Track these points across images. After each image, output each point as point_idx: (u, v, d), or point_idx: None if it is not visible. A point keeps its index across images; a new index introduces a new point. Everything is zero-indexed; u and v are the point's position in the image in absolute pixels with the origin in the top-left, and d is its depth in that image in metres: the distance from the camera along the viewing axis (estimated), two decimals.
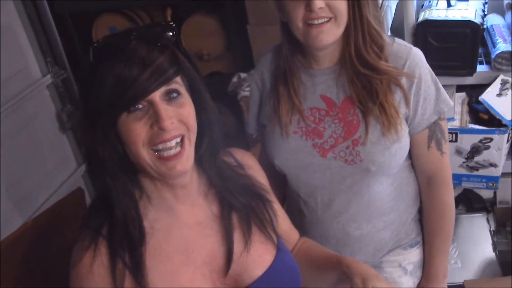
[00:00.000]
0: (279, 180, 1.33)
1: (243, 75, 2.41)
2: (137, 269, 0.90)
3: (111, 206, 0.91)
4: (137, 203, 0.93)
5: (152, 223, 0.95)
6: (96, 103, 0.86)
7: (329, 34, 1.08)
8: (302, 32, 1.09)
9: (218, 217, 1.01)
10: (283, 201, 1.43)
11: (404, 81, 1.13)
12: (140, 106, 0.86)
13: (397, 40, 1.18)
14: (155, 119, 0.85)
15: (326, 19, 1.07)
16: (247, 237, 1.00)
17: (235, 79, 2.41)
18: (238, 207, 1.01)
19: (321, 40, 1.08)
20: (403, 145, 1.16)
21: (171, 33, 0.90)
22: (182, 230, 0.97)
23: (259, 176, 1.11)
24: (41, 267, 1.14)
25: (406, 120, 1.16)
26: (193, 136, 0.91)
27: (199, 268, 0.96)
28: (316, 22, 1.06)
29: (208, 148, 0.97)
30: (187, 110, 0.89)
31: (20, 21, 2.53)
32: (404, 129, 1.15)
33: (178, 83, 0.88)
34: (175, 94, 0.88)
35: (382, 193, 1.21)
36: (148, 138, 0.86)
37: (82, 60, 2.75)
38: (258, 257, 1.01)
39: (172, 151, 0.88)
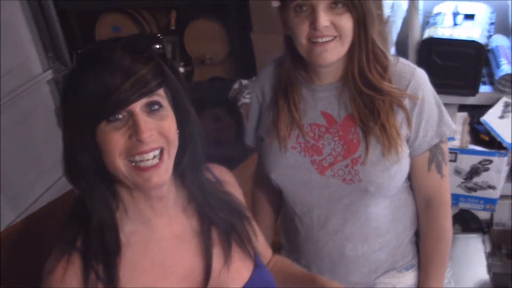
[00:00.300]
0: (275, 193, 1.32)
1: (244, 81, 2.39)
2: (110, 280, 0.88)
3: (87, 214, 0.90)
4: (113, 213, 0.92)
5: (128, 236, 0.93)
6: (76, 110, 0.85)
7: (333, 53, 1.07)
8: (306, 49, 1.07)
9: (197, 232, 0.99)
10: (277, 215, 1.41)
11: (406, 102, 1.12)
12: (120, 116, 0.84)
13: (401, 60, 1.17)
14: (134, 130, 0.84)
15: (330, 38, 1.05)
16: (226, 254, 1.00)
17: (236, 86, 2.39)
18: (218, 222, 1.00)
19: (324, 58, 1.07)
20: (403, 166, 1.15)
21: (157, 45, 0.89)
22: (159, 243, 0.95)
23: (237, 193, 1.10)
24: (30, 268, 1.13)
25: (407, 141, 1.14)
26: (173, 149, 0.90)
27: (176, 283, 0.95)
28: (320, 40, 1.05)
29: (190, 162, 0.95)
30: (168, 123, 0.88)
31: (23, 16, 2.53)
32: (404, 151, 1.13)
33: (160, 96, 0.87)
34: (156, 106, 0.86)
35: (379, 214, 1.20)
36: (125, 148, 0.85)
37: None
38: (236, 273, 1.01)
39: (149, 162, 0.86)
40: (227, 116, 2.66)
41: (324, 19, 1.03)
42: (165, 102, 0.88)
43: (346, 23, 1.05)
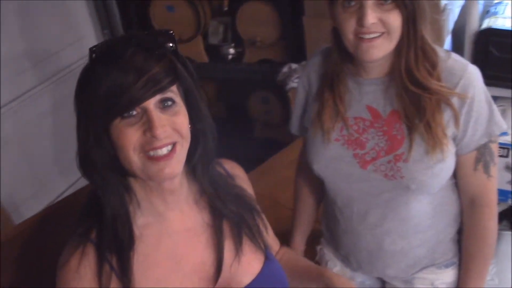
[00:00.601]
0: (318, 181, 1.32)
1: (294, 65, 2.38)
2: (124, 271, 0.91)
3: (101, 208, 0.92)
4: (127, 206, 0.94)
5: (141, 229, 0.95)
6: (91, 106, 0.87)
7: (380, 49, 1.05)
8: (353, 44, 1.06)
9: (208, 225, 1.01)
10: (319, 203, 1.42)
11: (455, 100, 1.09)
12: (134, 112, 0.86)
13: (453, 55, 1.13)
14: (148, 127, 0.85)
15: (378, 34, 1.03)
16: (237, 246, 1.01)
17: (285, 69, 2.39)
18: (229, 216, 1.01)
19: (371, 54, 1.05)
20: (448, 165, 1.12)
21: (170, 42, 0.90)
22: (172, 237, 0.97)
23: (248, 188, 1.11)
24: (46, 261, 1.16)
25: (454, 140, 1.12)
26: (186, 144, 0.91)
27: (188, 275, 0.97)
28: (367, 36, 1.03)
29: (201, 156, 0.97)
30: (181, 119, 0.89)
31: None
32: (450, 150, 1.11)
33: (173, 92, 0.88)
34: (169, 103, 0.87)
35: (421, 211, 1.18)
36: (139, 143, 0.86)
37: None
38: (247, 266, 1.02)
39: (162, 153, 0.88)
40: (274, 99, 2.67)
41: (371, 16, 1.01)
42: (177, 98, 0.89)
43: (395, 20, 1.03)
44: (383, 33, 1.03)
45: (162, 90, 0.86)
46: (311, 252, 1.45)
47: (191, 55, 2.69)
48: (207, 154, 0.97)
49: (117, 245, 0.92)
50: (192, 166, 0.97)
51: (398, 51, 1.08)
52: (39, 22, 2.29)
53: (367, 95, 1.14)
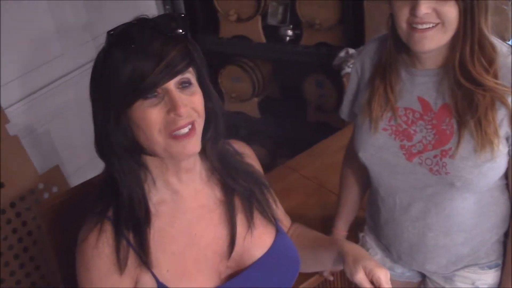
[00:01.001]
0: (364, 170, 1.31)
1: (351, 50, 2.35)
2: (141, 246, 0.94)
3: (117, 188, 0.95)
4: (143, 184, 0.97)
5: (156, 206, 0.98)
6: (111, 89, 0.89)
7: (433, 40, 1.02)
8: (405, 34, 1.04)
9: (221, 201, 1.04)
10: (364, 191, 1.41)
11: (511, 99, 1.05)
12: (156, 93, 0.89)
13: None
14: (171, 106, 0.89)
15: (432, 25, 1.00)
16: (249, 220, 1.05)
17: (342, 54, 2.36)
18: (239, 191, 1.05)
19: (423, 45, 1.02)
20: (498, 165, 1.09)
21: (183, 26, 0.91)
22: (186, 213, 1.01)
23: (257, 165, 1.14)
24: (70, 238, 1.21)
25: (508, 139, 1.08)
26: (202, 122, 0.95)
27: (203, 250, 1.00)
28: (420, 26, 1.00)
29: (212, 135, 1.00)
30: (198, 98, 0.93)
31: None
32: (501, 150, 1.07)
33: (190, 73, 0.92)
34: (187, 84, 0.91)
35: (466, 209, 1.15)
36: (164, 124, 0.90)
37: (198, 12, 2.83)
38: (258, 239, 1.05)
39: (184, 131, 0.91)
40: (329, 84, 2.65)
41: (425, 6, 0.98)
42: (193, 80, 0.93)
43: (450, 10, 0.99)
44: (437, 24, 1.00)
45: (180, 72, 0.90)
46: (353, 238, 1.46)
47: (249, 34, 2.70)
48: (217, 132, 1.01)
49: (133, 222, 0.95)
50: (203, 144, 0.99)
51: (453, 43, 1.04)
52: (107, 7, 2.35)
53: (419, 86, 1.12)
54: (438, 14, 0.99)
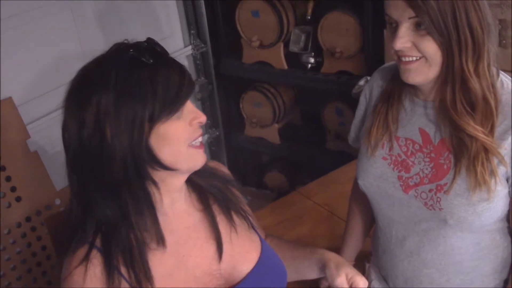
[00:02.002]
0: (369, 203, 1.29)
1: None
2: (138, 278, 0.91)
3: (122, 213, 0.91)
4: (153, 204, 0.94)
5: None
6: (145, 103, 0.88)
7: (418, 74, 0.99)
8: (396, 63, 1.03)
9: (203, 216, 1.06)
10: (369, 226, 1.39)
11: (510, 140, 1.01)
12: None
13: None
14: (194, 116, 0.93)
15: (415, 58, 0.98)
16: (230, 222, 1.07)
17: (362, 82, 2.35)
18: (212, 191, 1.07)
19: (407, 77, 1.00)
20: (495, 206, 1.04)
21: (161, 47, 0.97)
22: (173, 234, 1.00)
23: (222, 167, 1.17)
24: None
25: (508, 180, 1.04)
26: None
27: (191, 270, 1.00)
28: (403, 59, 0.99)
29: None
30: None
31: None
32: (499, 190, 1.03)
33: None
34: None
35: (463, 249, 1.11)
36: (187, 134, 0.93)
37: (222, 37, 2.88)
38: (245, 253, 1.06)
39: (200, 141, 0.96)
40: (349, 112, 2.63)
41: (402, 40, 0.96)
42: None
43: (429, 45, 0.96)
44: (420, 57, 0.98)
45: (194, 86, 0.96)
46: (360, 269, 1.43)
47: (271, 61, 2.72)
48: None
49: (128, 251, 0.92)
50: None
51: (443, 79, 1.01)
52: (126, 19, 2.41)
53: (421, 118, 1.10)
54: (417, 48, 0.97)
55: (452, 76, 0.99)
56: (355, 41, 2.42)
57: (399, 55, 1.00)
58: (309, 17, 2.55)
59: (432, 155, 1.09)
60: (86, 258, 0.90)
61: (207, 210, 1.06)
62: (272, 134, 2.98)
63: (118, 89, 0.88)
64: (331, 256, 1.07)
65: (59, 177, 2.15)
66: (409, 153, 1.12)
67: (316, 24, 2.50)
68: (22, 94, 2.06)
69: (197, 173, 1.03)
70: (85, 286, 0.88)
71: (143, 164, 0.90)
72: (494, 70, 1.02)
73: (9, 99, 1.97)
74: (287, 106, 2.93)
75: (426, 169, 1.09)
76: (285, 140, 2.98)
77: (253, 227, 1.12)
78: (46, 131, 2.19)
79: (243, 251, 1.07)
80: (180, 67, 0.92)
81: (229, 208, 1.09)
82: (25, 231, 2.01)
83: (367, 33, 2.36)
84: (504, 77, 1.05)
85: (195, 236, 1.04)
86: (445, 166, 1.07)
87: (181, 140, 0.92)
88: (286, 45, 2.67)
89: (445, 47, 0.96)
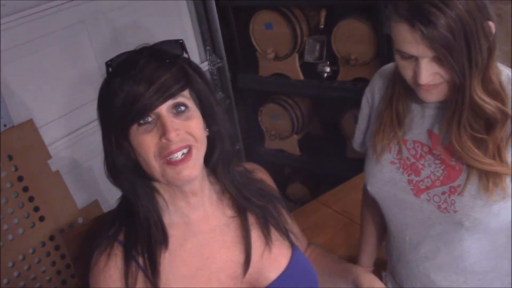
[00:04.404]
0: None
1: None
2: (153, 269, 0.95)
3: (130, 211, 0.97)
4: (157, 205, 0.98)
5: (168, 229, 0.99)
6: (110, 116, 0.93)
7: (439, 94, 0.99)
8: (412, 84, 1.01)
9: (234, 222, 1.04)
10: (383, 232, 1.36)
11: None
12: (149, 119, 0.91)
13: None
14: (162, 131, 0.89)
15: (436, 82, 0.97)
16: (267, 237, 1.04)
17: None
18: (253, 210, 1.04)
19: (429, 99, 1.00)
20: (511, 204, 1.02)
21: (178, 50, 0.94)
22: (197, 236, 1.01)
23: (268, 179, 1.14)
24: None
25: None
26: (202, 146, 0.95)
27: (215, 273, 1.00)
28: (424, 86, 0.98)
29: (220, 158, 1.00)
30: (194, 122, 0.93)
31: (187, 10, 2.75)
32: None
33: (185, 97, 0.92)
34: (182, 108, 0.92)
35: (479, 250, 1.08)
36: (157, 149, 0.91)
37: (237, 51, 2.90)
38: (273, 260, 1.04)
39: (179, 157, 0.91)
40: None
41: (427, 74, 0.94)
42: (190, 103, 0.93)
43: (448, 72, 0.95)
44: (440, 83, 0.97)
45: (172, 96, 0.91)
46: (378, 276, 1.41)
47: (287, 72, 2.73)
48: (225, 156, 1.02)
49: (146, 243, 0.96)
50: (212, 167, 1.01)
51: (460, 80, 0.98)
52: (140, 35, 2.45)
53: (429, 119, 1.07)
54: (442, 76, 0.96)
55: (463, 101, 0.97)
56: (370, 47, 2.41)
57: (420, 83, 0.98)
58: (322, 26, 2.55)
59: (443, 156, 1.06)
60: (109, 250, 0.97)
61: (239, 216, 1.05)
62: (291, 145, 2.97)
63: (99, 96, 0.96)
64: (366, 279, 1.02)
65: (81, 196, 2.21)
66: (418, 156, 1.09)
67: (330, 32, 2.50)
68: (42, 116, 2.11)
69: (242, 193, 1.05)
70: (104, 272, 0.95)
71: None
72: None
73: (30, 121, 2.02)
74: (305, 116, 2.93)
75: (437, 171, 1.07)
76: (305, 151, 2.97)
77: (287, 236, 1.09)
78: (67, 151, 2.23)
79: (272, 257, 1.05)
80: (152, 76, 0.89)
81: (267, 222, 1.06)
82: (49, 250, 2.04)
83: (380, 38, 2.34)
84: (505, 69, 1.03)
85: (221, 239, 1.03)
86: (457, 167, 1.04)
87: (148, 153, 0.91)
88: (301, 56, 2.68)
89: (455, 77, 0.96)
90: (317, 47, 2.62)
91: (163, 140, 0.90)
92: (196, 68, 0.97)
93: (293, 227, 1.16)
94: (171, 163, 0.92)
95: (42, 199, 2.01)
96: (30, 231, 1.99)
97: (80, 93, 2.27)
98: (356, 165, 2.76)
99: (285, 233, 1.07)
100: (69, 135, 2.24)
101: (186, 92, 0.93)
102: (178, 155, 0.92)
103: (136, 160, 0.95)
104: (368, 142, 1.20)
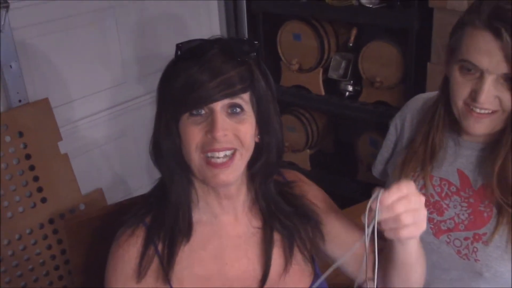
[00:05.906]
0: None
1: None
2: (169, 256, 0.93)
3: (163, 195, 0.96)
4: (189, 196, 0.96)
5: (194, 224, 0.97)
6: (166, 99, 0.92)
7: (488, 126, 0.93)
8: (460, 112, 0.95)
9: (259, 234, 1.00)
10: None
11: None
12: (202, 111, 0.88)
13: None
14: (210, 127, 0.86)
15: (490, 110, 0.91)
16: (288, 258, 0.99)
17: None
18: (279, 230, 1.00)
19: (476, 129, 0.94)
20: None
21: (252, 50, 0.91)
22: (222, 239, 0.98)
23: (311, 191, 1.07)
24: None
25: None
26: (247, 153, 0.91)
27: (230, 280, 0.96)
28: (478, 110, 0.92)
29: (262, 169, 0.96)
30: (246, 127, 0.90)
31: (217, 10, 2.73)
32: None
33: (243, 100, 0.89)
34: (238, 109, 0.89)
35: None
36: (201, 143, 0.88)
37: (262, 58, 2.87)
38: (291, 283, 0.99)
39: (220, 160, 0.88)
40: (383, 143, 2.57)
41: (488, 94, 0.88)
42: (247, 107, 0.90)
43: (510, 99, 0.89)
44: (496, 111, 0.90)
45: (232, 94, 0.88)
46: None
47: (308, 85, 2.69)
48: (268, 167, 0.97)
49: (171, 232, 0.94)
50: (252, 174, 0.98)
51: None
52: (167, 35, 2.43)
53: (462, 158, 1.02)
54: (500, 101, 0.90)
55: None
56: (396, 72, 2.37)
57: (474, 106, 0.92)
58: (351, 45, 2.52)
59: (471, 200, 1.01)
60: (134, 229, 0.96)
61: (264, 230, 1.01)
62: (303, 159, 2.93)
63: (162, 76, 0.94)
64: None
65: (86, 182, 2.18)
66: (443, 195, 1.04)
67: (358, 52, 2.46)
68: (59, 96, 2.08)
69: (273, 213, 1.00)
70: (123, 248, 0.95)
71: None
72: None
73: (45, 99, 1.99)
74: (320, 132, 2.89)
75: (463, 214, 1.01)
76: (316, 167, 2.92)
77: (311, 263, 1.04)
78: (79, 135, 2.20)
79: (290, 280, 1.00)
80: (219, 69, 0.86)
81: (292, 244, 1.00)
82: (47, 233, 2.01)
83: (409, 64, 2.30)
84: None
85: (244, 248, 1.00)
86: (485, 214, 0.99)
87: (191, 144, 0.89)
88: (326, 71, 2.64)
89: None
90: (343, 64, 2.58)
91: (209, 136, 0.88)
92: (264, 73, 0.94)
93: (348, 237, 1.03)
94: (210, 163, 0.89)
95: (47, 180, 1.98)
96: (30, 211, 1.95)
97: (99, 79, 2.25)
98: (366, 188, 2.73)
99: (309, 259, 1.03)
100: (83, 119, 2.22)
101: (246, 95, 0.90)
102: (220, 155, 0.89)
103: (180, 148, 0.93)
104: (390, 170, 1.16)
